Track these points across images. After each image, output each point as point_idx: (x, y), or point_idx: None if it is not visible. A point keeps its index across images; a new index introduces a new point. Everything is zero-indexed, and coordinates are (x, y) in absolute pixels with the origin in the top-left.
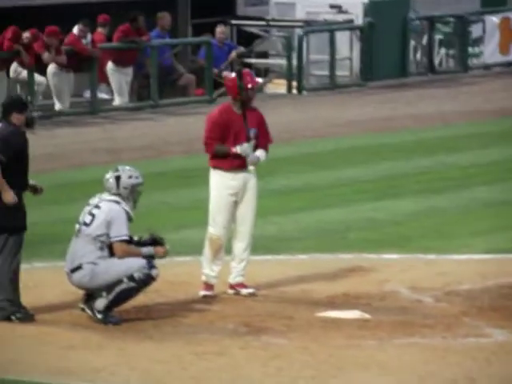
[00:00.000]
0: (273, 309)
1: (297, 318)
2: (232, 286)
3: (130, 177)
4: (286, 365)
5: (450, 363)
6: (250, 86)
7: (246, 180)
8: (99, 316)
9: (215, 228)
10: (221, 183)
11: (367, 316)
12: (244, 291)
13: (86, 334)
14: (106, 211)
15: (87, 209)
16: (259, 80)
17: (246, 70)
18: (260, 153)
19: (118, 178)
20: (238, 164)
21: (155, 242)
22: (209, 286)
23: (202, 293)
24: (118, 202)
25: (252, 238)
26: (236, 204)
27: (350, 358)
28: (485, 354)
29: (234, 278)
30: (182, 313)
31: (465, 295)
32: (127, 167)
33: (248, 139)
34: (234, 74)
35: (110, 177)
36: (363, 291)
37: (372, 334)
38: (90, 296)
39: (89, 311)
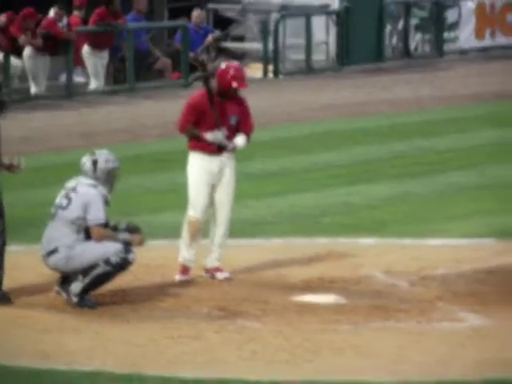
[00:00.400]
0: (248, 293)
1: (272, 302)
2: (207, 270)
3: (107, 161)
4: (260, 348)
5: (424, 347)
6: (234, 85)
7: (224, 164)
8: (75, 299)
9: (194, 210)
10: (200, 166)
11: (342, 300)
12: (219, 275)
13: (62, 318)
14: (82, 195)
15: (64, 192)
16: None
17: (235, 64)
18: (239, 139)
19: (94, 162)
20: (217, 148)
21: (131, 231)
22: (185, 270)
23: (178, 277)
24: (94, 186)
25: (229, 222)
26: (214, 187)
27: (324, 342)
28: (459, 338)
29: (209, 262)
30: (159, 297)
31: (440, 280)
32: (104, 151)
33: (218, 127)
34: (223, 65)
35: (86, 160)
36: (338, 275)
37: (347, 319)
38: (66, 279)
39: (64, 294)
